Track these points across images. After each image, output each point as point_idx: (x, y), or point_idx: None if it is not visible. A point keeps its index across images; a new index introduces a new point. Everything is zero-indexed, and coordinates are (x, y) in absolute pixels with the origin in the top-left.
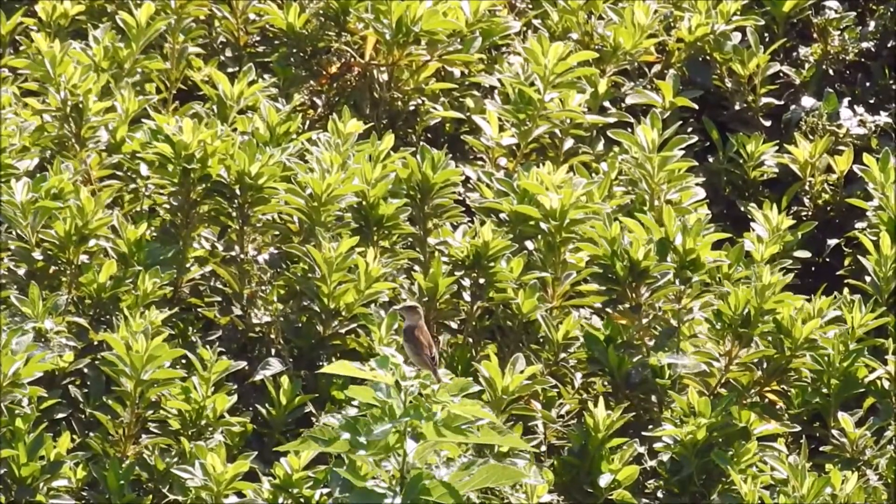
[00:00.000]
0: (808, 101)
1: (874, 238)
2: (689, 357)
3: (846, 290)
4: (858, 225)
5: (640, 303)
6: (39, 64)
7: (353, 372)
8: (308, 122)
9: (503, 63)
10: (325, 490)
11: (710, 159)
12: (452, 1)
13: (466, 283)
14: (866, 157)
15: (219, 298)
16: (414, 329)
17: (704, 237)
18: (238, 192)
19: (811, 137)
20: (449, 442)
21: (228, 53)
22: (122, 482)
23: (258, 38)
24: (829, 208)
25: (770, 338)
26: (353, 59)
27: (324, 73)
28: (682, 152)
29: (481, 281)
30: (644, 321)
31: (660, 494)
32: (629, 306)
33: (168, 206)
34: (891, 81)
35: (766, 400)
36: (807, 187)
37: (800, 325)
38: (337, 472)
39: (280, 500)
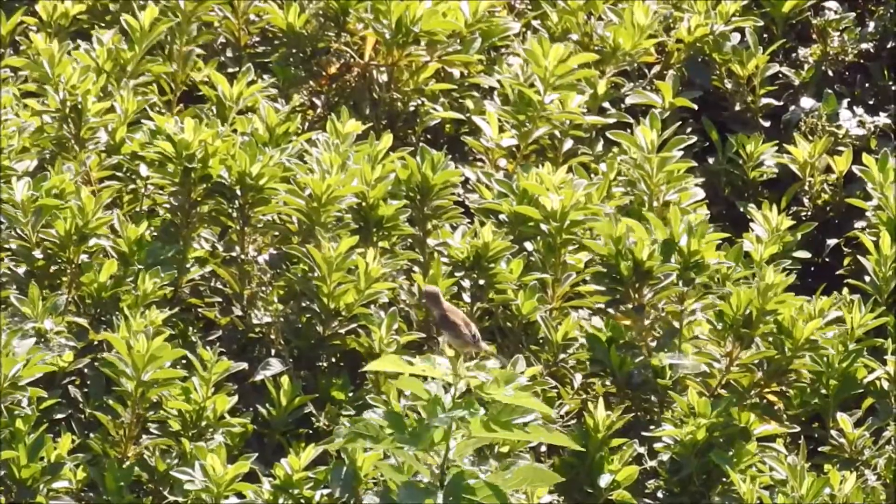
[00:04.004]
0: (807, 102)
1: (874, 238)
2: (690, 358)
3: (846, 290)
4: (858, 225)
5: (643, 303)
6: (38, 64)
7: (403, 367)
8: (307, 123)
9: (503, 64)
10: (326, 490)
11: (710, 160)
12: (452, 1)
13: (466, 284)
14: (865, 158)
15: (219, 299)
16: (446, 315)
17: (707, 238)
18: (239, 192)
19: (810, 138)
20: (496, 438)
21: (229, 54)
22: (121, 483)
23: (258, 39)
24: (828, 208)
25: (771, 339)
26: (352, 60)
27: (323, 73)
28: (682, 153)
29: (481, 282)
30: (646, 322)
31: (660, 494)
32: (632, 306)
33: (168, 206)
34: (890, 82)
35: (766, 401)
36: (806, 188)
37: (800, 326)
38: (379, 467)
39: (280, 501)
